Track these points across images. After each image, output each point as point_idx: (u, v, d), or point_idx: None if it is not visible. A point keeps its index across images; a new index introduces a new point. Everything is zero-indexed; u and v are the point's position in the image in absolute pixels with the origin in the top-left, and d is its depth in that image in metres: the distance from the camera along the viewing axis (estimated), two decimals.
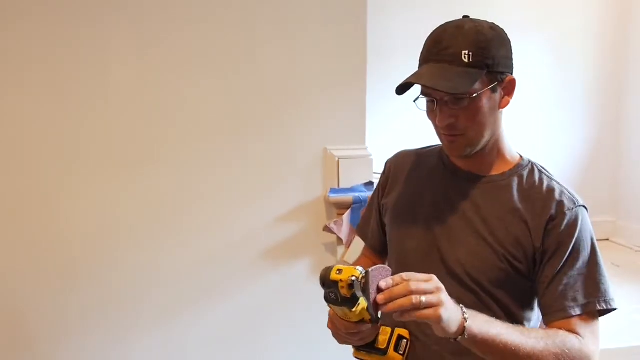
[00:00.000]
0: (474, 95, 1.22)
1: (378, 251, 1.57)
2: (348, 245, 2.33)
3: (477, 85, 1.22)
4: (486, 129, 1.27)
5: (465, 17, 1.31)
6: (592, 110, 3.43)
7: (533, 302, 1.33)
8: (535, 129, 3.30)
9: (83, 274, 2.23)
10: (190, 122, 2.26)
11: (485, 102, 1.24)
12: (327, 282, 1.09)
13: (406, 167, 1.49)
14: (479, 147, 1.30)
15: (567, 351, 1.16)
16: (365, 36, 2.35)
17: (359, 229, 1.64)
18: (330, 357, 2.42)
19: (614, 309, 1.25)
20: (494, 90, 1.25)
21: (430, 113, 1.30)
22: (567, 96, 3.38)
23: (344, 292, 1.08)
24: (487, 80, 1.23)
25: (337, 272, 1.09)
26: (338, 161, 2.33)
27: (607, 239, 3.38)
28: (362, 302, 1.10)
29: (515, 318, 1.30)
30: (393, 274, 1.40)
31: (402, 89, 1.27)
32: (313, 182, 2.36)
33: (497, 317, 1.26)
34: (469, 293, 1.29)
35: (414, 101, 1.31)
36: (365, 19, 2.35)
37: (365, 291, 1.08)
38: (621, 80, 3.41)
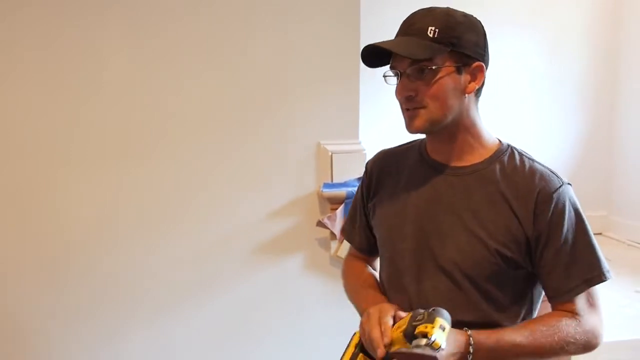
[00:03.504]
0: (434, 67, 1.24)
1: (366, 251, 1.58)
2: (341, 240, 2.33)
3: (438, 60, 1.24)
4: (448, 109, 1.28)
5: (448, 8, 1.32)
6: (585, 106, 3.43)
7: (526, 292, 1.34)
8: (527, 123, 3.30)
9: (78, 268, 2.22)
10: (182, 117, 2.25)
11: (446, 79, 1.25)
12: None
13: (387, 167, 1.48)
14: (440, 126, 1.29)
15: (569, 337, 1.25)
16: (359, 31, 2.34)
17: (344, 232, 1.64)
18: (323, 351, 2.42)
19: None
20: (458, 71, 1.26)
21: (396, 88, 1.31)
22: (560, 91, 3.38)
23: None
24: (451, 59, 1.25)
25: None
26: (331, 156, 2.33)
27: (600, 234, 3.38)
28: None
29: (505, 312, 1.30)
30: (387, 275, 1.41)
31: (371, 62, 1.31)
32: (306, 176, 2.36)
33: (487, 314, 1.28)
34: (460, 291, 1.29)
35: (383, 76, 1.33)
36: (358, 14, 2.34)
37: None
38: (614, 76, 3.41)
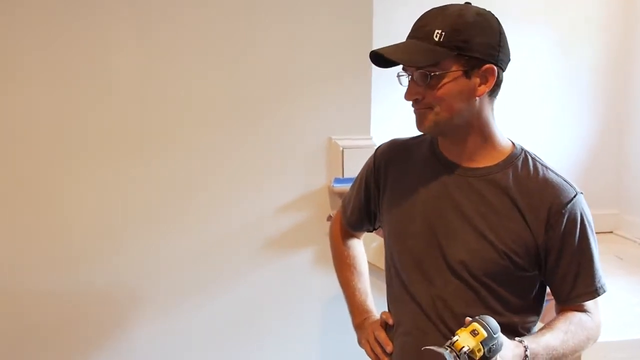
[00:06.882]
0: (438, 73, 1.23)
1: (352, 227, 1.64)
2: None
3: (443, 65, 1.23)
4: (455, 112, 1.27)
5: (467, 3, 1.30)
6: (597, 103, 3.40)
7: (536, 295, 1.34)
8: (539, 120, 3.28)
9: (79, 268, 2.21)
10: (192, 112, 2.25)
11: (452, 84, 1.24)
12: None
13: (396, 158, 1.48)
14: (447, 129, 1.30)
15: (589, 334, 1.32)
16: (371, 25, 2.34)
17: (343, 201, 1.68)
18: (332, 347, 2.43)
19: None
20: (466, 75, 1.24)
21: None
22: (572, 88, 3.35)
23: None
24: (458, 63, 1.23)
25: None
26: (342, 151, 2.33)
27: (611, 232, 3.36)
28: None
29: (516, 312, 1.31)
30: (395, 271, 1.41)
31: (380, 62, 1.30)
32: (317, 171, 2.36)
33: (498, 313, 1.28)
34: (470, 290, 1.29)
35: (397, 76, 1.32)
36: (371, 7, 2.34)
37: None
38: (627, 73, 3.38)
